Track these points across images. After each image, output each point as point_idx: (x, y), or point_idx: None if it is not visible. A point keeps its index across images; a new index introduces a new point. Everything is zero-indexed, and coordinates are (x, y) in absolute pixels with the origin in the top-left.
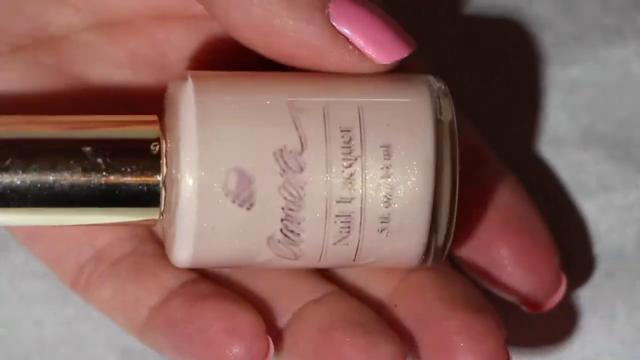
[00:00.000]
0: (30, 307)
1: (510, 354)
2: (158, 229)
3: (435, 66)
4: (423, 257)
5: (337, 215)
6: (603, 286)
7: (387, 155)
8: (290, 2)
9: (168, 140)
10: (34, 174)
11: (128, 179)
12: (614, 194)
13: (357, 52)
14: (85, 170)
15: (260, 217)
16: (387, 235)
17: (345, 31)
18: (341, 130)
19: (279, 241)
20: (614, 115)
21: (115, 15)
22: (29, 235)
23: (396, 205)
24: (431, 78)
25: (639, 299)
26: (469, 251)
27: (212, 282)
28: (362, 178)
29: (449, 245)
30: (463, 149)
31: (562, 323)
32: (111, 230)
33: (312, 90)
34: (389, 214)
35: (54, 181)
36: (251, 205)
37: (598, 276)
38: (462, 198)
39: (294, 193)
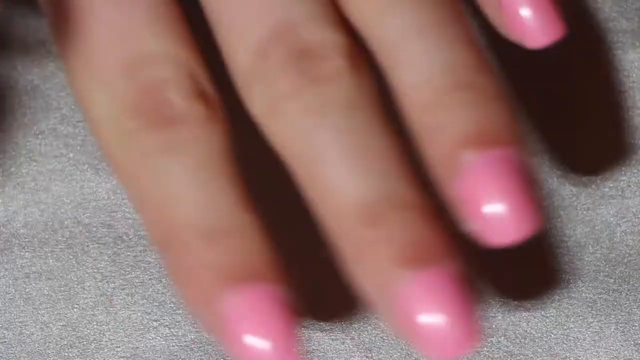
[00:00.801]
0: (35, 309)
1: None
2: None
3: None
4: None
5: None
6: (619, 292)
7: None
8: None
9: None
10: None
11: None
12: (631, 200)
13: None
14: None
15: None
16: None
17: None
18: None
19: None
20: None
21: None
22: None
23: None
24: None
25: None
26: None
27: None
28: None
29: None
30: None
31: (577, 329)
32: None
33: None
34: None
35: None
36: None
37: (614, 282)
38: None
39: None
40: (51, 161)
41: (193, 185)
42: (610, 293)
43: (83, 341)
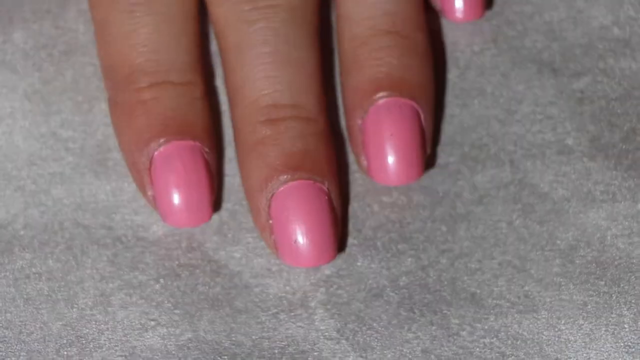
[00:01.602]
0: (35, 309)
1: None
2: None
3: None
4: None
5: None
6: (610, 294)
7: None
8: None
9: None
10: None
11: None
12: (621, 203)
13: None
14: None
15: None
16: None
17: None
18: None
19: None
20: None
21: None
22: None
23: None
24: None
25: None
26: None
27: None
28: None
29: None
30: None
31: (568, 330)
32: None
33: None
34: None
35: None
36: None
37: (605, 284)
38: None
39: None
40: (51, 164)
41: (158, 36)
42: (601, 295)
43: (82, 340)
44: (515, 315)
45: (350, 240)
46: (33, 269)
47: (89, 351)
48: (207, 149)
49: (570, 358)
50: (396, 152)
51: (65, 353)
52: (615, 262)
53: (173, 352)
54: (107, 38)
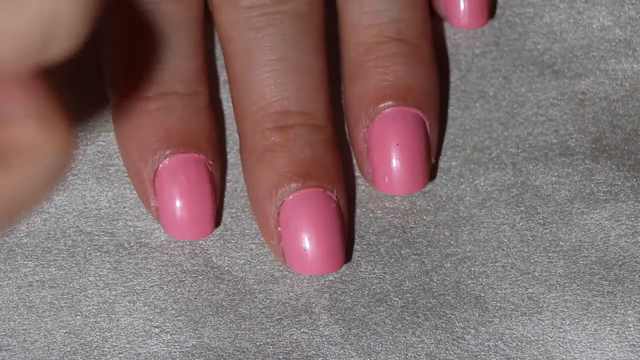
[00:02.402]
0: (38, 317)
1: None
2: None
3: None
4: None
5: None
6: (614, 294)
7: None
8: None
9: None
10: None
11: None
12: (624, 203)
13: None
14: None
15: None
16: None
17: None
18: None
19: None
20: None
21: None
22: None
23: None
24: None
25: None
26: None
27: None
28: None
29: None
30: None
31: (573, 331)
32: None
33: None
34: None
35: None
36: None
37: (609, 284)
38: None
39: None
40: None
41: (162, 46)
42: (605, 295)
43: (86, 348)
44: (520, 317)
45: (354, 246)
46: (36, 277)
47: (93, 359)
48: (210, 161)
49: (575, 358)
50: (401, 161)
51: None
52: (619, 262)
53: (177, 358)
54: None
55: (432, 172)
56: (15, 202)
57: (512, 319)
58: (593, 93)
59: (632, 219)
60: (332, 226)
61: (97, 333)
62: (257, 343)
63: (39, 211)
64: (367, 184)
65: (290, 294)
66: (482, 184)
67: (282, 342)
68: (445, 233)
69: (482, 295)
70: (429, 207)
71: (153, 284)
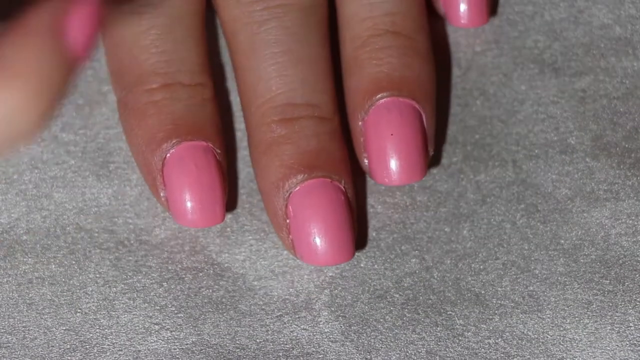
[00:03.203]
0: (38, 314)
1: None
2: None
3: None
4: None
5: None
6: (614, 293)
7: None
8: None
9: None
10: None
11: None
12: (625, 202)
13: None
14: None
15: None
16: None
17: None
18: None
19: None
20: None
21: None
22: None
23: None
24: None
25: None
26: None
27: None
28: None
29: None
30: None
31: (573, 330)
32: None
33: None
34: None
35: None
36: None
37: (609, 283)
38: None
39: None
40: (53, 168)
41: (166, 39)
42: (606, 294)
43: (86, 345)
44: (520, 315)
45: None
46: (36, 274)
47: (93, 356)
48: (218, 150)
49: (575, 357)
50: (397, 152)
51: (69, 358)
52: (620, 261)
53: (177, 355)
54: (116, 40)
55: (431, 166)
56: None
57: (512, 317)
58: (593, 91)
59: (633, 217)
60: (341, 216)
61: (97, 330)
62: (257, 340)
63: (39, 208)
64: (368, 178)
65: (291, 290)
66: (482, 181)
67: (282, 339)
68: (446, 229)
69: (483, 292)
70: (429, 203)
71: (153, 281)
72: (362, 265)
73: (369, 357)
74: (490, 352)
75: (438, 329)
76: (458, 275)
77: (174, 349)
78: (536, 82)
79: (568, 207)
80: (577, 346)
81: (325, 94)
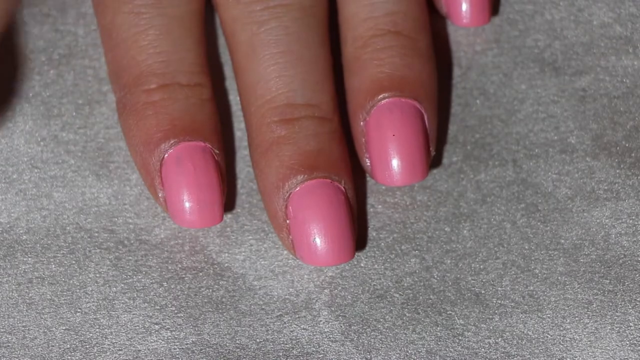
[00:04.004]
0: (38, 314)
1: None
2: None
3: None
4: None
5: None
6: (614, 292)
7: None
8: None
9: None
10: None
11: None
12: (625, 202)
13: None
14: None
15: None
16: None
17: None
18: None
19: None
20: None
21: None
22: None
23: None
24: None
25: None
26: None
27: None
28: None
29: None
30: None
31: (573, 329)
32: None
33: None
34: None
35: None
36: None
37: (609, 283)
38: None
39: None
40: (53, 168)
41: (166, 37)
42: (606, 294)
43: (86, 345)
44: (520, 315)
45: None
46: (36, 274)
47: (93, 356)
48: (216, 150)
49: (575, 357)
50: (398, 152)
51: (69, 358)
52: (620, 261)
53: (177, 355)
54: (115, 41)
55: (431, 165)
56: None
57: (512, 317)
58: (594, 90)
59: (633, 217)
60: (341, 216)
61: (97, 330)
62: (257, 340)
63: (39, 208)
64: (368, 178)
65: (291, 290)
66: (482, 180)
67: (282, 339)
68: (446, 229)
69: (483, 292)
70: (429, 203)
71: (153, 280)
72: (362, 265)
73: (368, 356)
74: (490, 351)
75: (438, 328)
76: (458, 275)
77: (174, 348)
78: (536, 81)
79: (568, 206)
80: (577, 346)
81: (325, 94)
